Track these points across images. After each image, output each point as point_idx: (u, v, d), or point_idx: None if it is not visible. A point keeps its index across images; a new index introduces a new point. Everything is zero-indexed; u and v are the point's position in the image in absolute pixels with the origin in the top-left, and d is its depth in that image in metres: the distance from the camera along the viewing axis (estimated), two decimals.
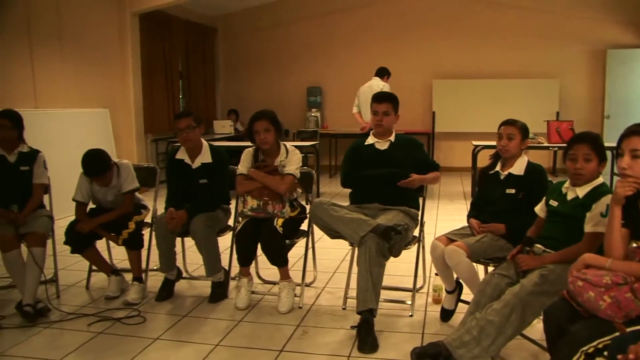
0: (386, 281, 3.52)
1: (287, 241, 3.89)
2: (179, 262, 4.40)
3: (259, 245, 3.88)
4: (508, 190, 3.44)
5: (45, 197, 4.33)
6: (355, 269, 3.53)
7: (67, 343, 3.43)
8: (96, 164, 4.01)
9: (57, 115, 7.47)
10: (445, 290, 3.62)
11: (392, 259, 3.48)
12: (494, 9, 10.76)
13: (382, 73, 8.83)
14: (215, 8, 11.61)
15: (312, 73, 11.79)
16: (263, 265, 4.32)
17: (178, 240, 4.23)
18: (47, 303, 3.96)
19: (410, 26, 11.19)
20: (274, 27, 11.97)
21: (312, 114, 11.58)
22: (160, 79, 10.19)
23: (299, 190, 4.09)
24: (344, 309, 3.86)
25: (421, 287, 4.13)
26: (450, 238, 3.45)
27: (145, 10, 9.21)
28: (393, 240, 3.34)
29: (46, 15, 7.43)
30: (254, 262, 4.22)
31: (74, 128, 7.23)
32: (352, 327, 3.43)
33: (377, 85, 8.51)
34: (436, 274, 3.70)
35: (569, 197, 2.94)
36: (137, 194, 4.31)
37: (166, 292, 4.18)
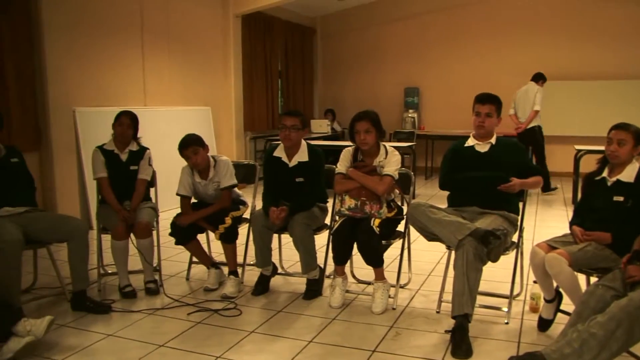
0: (482, 286, 3.45)
1: (383, 242, 3.88)
2: (275, 258, 4.48)
3: (354, 245, 3.90)
4: (616, 198, 3.28)
5: (152, 191, 4.57)
6: (451, 272, 3.48)
7: (169, 330, 3.60)
8: (190, 136, 4.24)
9: (163, 113, 7.84)
10: (544, 299, 3.50)
11: (488, 263, 3.41)
12: (598, 6, 10.20)
13: (538, 78, 8.76)
14: (314, 9, 11.76)
15: (409, 73, 11.70)
16: (358, 264, 4.33)
17: (275, 236, 4.31)
18: (158, 287, 4.31)
19: (509, 25, 10.85)
20: (371, 27, 11.97)
21: (409, 115, 11.50)
22: (260, 79, 10.43)
23: (397, 191, 4.07)
24: (438, 312, 3.82)
25: (518, 294, 4.02)
26: (551, 245, 3.34)
27: (247, 12, 9.47)
28: (492, 245, 3.28)
29: (157, 17, 7.80)
30: (349, 262, 4.24)
31: (178, 125, 7.53)
32: (446, 332, 3.39)
33: (532, 90, 8.58)
34: (535, 282, 3.57)
35: None
36: (236, 189, 4.45)
37: (262, 287, 4.29)
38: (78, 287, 3.94)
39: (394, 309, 3.88)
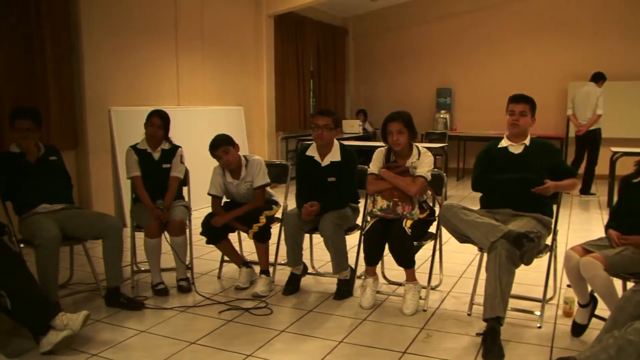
0: (514, 289, 3.40)
1: (414, 243, 3.87)
2: (306, 258, 4.50)
3: (386, 246, 3.90)
4: None
5: (184, 189, 4.64)
6: (482, 274, 3.46)
7: (200, 327, 3.64)
8: (220, 137, 4.27)
9: (196, 112, 7.92)
10: (578, 303, 3.44)
11: (521, 266, 3.37)
12: (635, 6, 9.96)
13: (598, 78, 8.62)
14: (346, 9, 11.76)
15: (442, 74, 11.62)
16: (389, 265, 4.33)
17: (306, 236, 4.33)
18: (190, 285, 4.37)
19: (546, 25, 10.67)
20: (403, 27, 11.93)
21: (441, 116, 11.43)
22: (292, 79, 10.47)
23: (429, 192, 4.06)
24: (469, 314, 3.79)
25: (551, 298, 3.96)
26: (586, 249, 3.28)
27: (280, 12, 9.52)
28: (525, 248, 3.24)
29: (191, 18, 7.90)
30: (380, 262, 4.23)
31: (210, 125, 7.60)
32: (478, 334, 3.36)
33: (594, 92, 8.46)
34: (568, 286, 3.52)
35: None
36: (268, 189, 4.48)
37: (292, 286, 4.30)
38: (112, 284, 4.01)
39: (424, 310, 3.86)
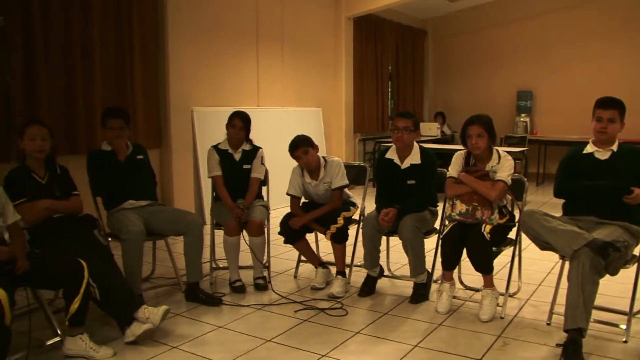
0: (598, 300, 3.26)
1: (493, 248, 3.80)
2: (382, 261, 4.49)
3: (464, 250, 3.84)
4: None
5: (263, 189, 4.72)
6: (563, 283, 3.34)
7: (276, 325, 3.70)
8: (299, 137, 4.32)
9: (276, 113, 8.05)
10: None
11: (605, 277, 3.23)
12: None
13: None
14: (425, 11, 11.65)
15: (522, 76, 11.31)
16: (466, 270, 4.27)
17: (383, 238, 4.32)
18: (266, 283, 4.45)
19: (632, 24, 10.14)
20: (483, 28, 11.70)
21: (521, 119, 11.14)
22: (370, 81, 10.47)
23: (509, 197, 3.97)
24: (548, 324, 3.67)
25: (639, 312, 3.78)
26: None
27: (359, 14, 9.55)
28: (610, 257, 3.11)
29: (272, 20, 8.04)
30: (457, 267, 4.17)
31: (289, 125, 7.69)
32: (558, 345, 3.24)
33: None
34: None
35: None
36: (346, 190, 4.49)
37: (368, 288, 4.30)
38: (192, 279, 4.13)
39: (502, 318, 3.78)
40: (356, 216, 4.55)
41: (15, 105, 5.12)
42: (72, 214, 3.70)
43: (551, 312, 3.70)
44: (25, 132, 3.52)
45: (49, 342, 3.30)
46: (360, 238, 4.34)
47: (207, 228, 4.77)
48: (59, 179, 3.71)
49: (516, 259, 4.05)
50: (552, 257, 3.67)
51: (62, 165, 3.81)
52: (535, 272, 4.71)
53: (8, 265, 2.97)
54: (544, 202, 8.26)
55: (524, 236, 3.75)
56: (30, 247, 3.31)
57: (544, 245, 3.53)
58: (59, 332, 3.32)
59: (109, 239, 4.05)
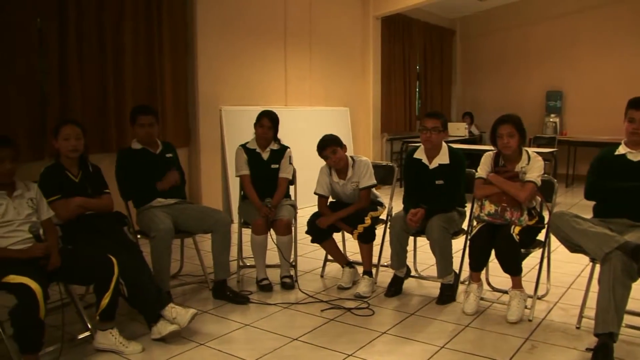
0: (630, 305, 3.22)
1: (522, 250, 3.76)
2: (409, 261, 4.47)
3: (492, 252, 3.81)
4: None
5: (291, 188, 4.74)
6: (594, 286, 3.30)
7: (302, 324, 3.71)
8: (328, 137, 4.32)
9: (303, 113, 8.08)
10: None
11: (638, 280, 3.18)
12: None
13: None
14: (453, 10, 11.59)
15: (552, 76, 11.19)
16: (494, 272, 4.24)
17: (410, 238, 4.30)
18: (293, 282, 4.46)
19: None
20: (512, 27, 11.59)
21: (551, 120, 11.02)
22: (398, 80, 10.46)
23: (539, 198, 3.93)
24: (578, 328, 3.61)
25: None
26: None
27: (387, 14, 9.54)
28: None
29: (299, 20, 8.07)
30: (484, 268, 4.14)
31: (317, 125, 7.74)
32: (587, 350, 3.20)
33: None
34: None
35: None
36: (374, 190, 4.49)
37: (395, 288, 4.29)
38: (219, 277, 4.16)
39: (530, 320, 3.73)
40: (383, 216, 4.54)
41: (49, 105, 5.23)
42: (103, 212, 3.76)
43: (581, 316, 3.65)
44: (60, 132, 3.59)
45: (80, 336, 3.38)
46: (387, 238, 4.33)
47: (235, 226, 4.79)
48: (91, 177, 3.77)
49: (545, 261, 4.02)
50: (582, 260, 3.63)
51: (94, 164, 3.88)
52: (564, 275, 4.66)
53: (43, 260, 3.05)
54: (574, 203, 8.16)
55: (553, 238, 3.71)
56: (62, 244, 3.38)
57: (574, 247, 3.48)
58: (90, 326, 3.40)
59: (138, 237, 4.11)
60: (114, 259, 3.26)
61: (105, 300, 3.21)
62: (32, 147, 5.06)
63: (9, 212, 3.10)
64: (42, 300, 2.80)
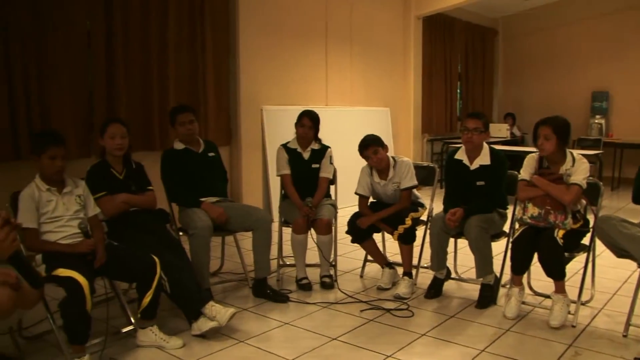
0: None
1: (565, 254, 3.69)
2: (450, 263, 4.44)
3: (535, 255, 3.75)
4: None
5: (331, 188, 4.75)
6: None
7: (342, 324, 3.71)
8: (370, 137, 4.30)
9: (344, 113, 8.08)
10: None
11: None
12: None
13: None
14: (496, 10, 11.45)
15: (598, 76, 10.94)
16: (536, 276, 4.18)
17: (451, 240, 4.27)
18: (333, 282, 4.47)
19: None
20: (556, 27, 11.37)
21: (596, 121, 10.79)
22: (439, 81, 10.38)
23: (583, 201, 3.85)
24: (624, 336, 3.51)
25: None
26: None
27: (428, 14, 9.48)
28: None
29: (340, 20, 8.07)
30: (526, 272, 4.08)
31: (358, 125, 7.74)
32: (636, 359, 3.13)
33: None
34: None
35: None
36: (415, 191, 4.46)
37: (435, 290, 4.26)
38: (260, 275, 4.19)
39: (573, 326, 3.65)
40: (424, 217, 4.51)
41: (96, 104, 5.36)
42: (147, 208, 3.83)
43: (628, 323, 3.53)
44: (106, 130, 3.68)
45: (124, 330, 3.45)
46: (427, 239, 4.30)
47: (275, 225, 4.81)
48: (135, 174, 3.85)
49: (590, 265, 3.92)
50: (629, 266, 3.54)
51: (137, 161, 3.96)
52: (609, 281, 4.55)
53: (90, 255, 3.13)
54: (620, 207, 7.98)
55: (598, 242, 3.64)
56: (108, 239, 3.45)
57: (620, 252, 3.41)
58: (133, 320, 3.47)
59: (180, 234, 4.17)
60: (156, 259, 3.32)
61: (147, 299, 3.27)
62: (80, 145, 5.20)
63: (59, 208, 3.21)
64: (89, 294, 2.89)
